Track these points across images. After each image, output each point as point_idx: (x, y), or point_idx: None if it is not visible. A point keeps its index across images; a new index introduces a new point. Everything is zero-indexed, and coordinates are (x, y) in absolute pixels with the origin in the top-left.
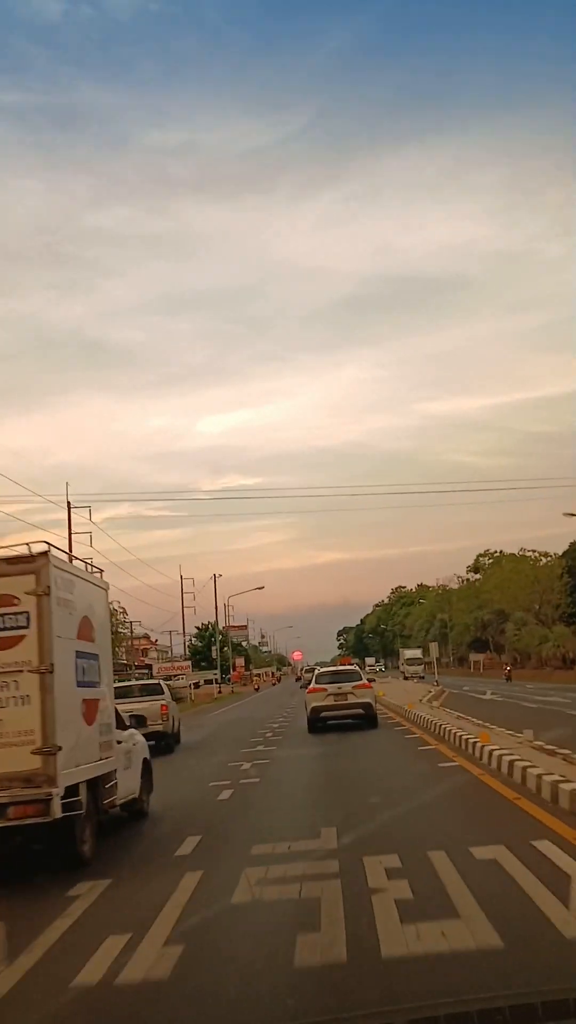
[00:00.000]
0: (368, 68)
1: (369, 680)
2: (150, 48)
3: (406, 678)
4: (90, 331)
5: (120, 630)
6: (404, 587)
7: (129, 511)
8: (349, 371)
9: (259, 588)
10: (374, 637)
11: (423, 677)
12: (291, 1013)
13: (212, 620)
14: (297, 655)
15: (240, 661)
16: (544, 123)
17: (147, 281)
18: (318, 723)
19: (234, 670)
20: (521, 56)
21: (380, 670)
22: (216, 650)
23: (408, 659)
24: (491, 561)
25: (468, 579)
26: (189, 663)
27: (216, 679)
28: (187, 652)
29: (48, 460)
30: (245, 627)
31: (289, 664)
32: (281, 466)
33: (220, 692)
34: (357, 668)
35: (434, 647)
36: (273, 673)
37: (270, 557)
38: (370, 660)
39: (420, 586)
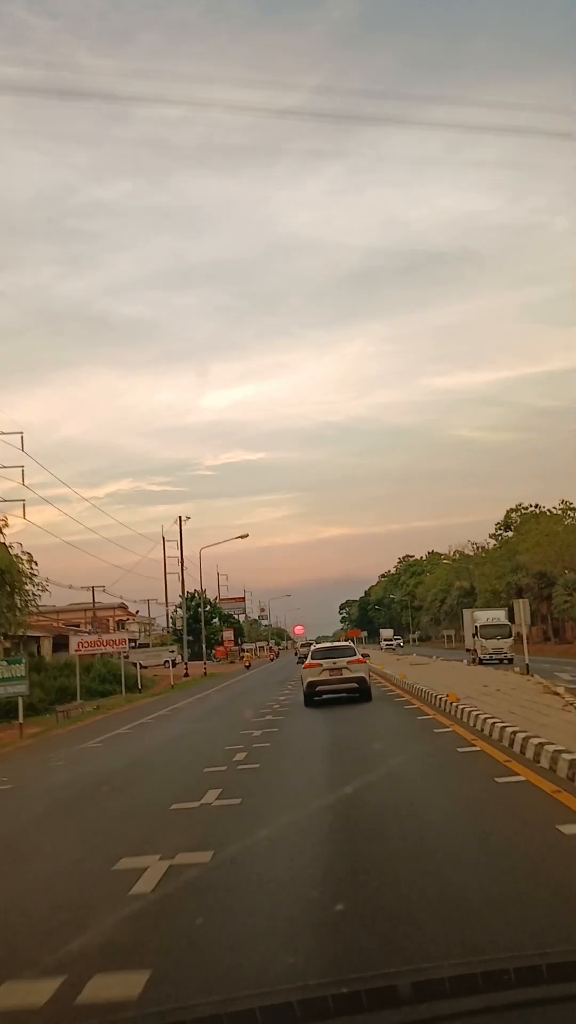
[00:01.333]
0: (372, 38)
1: (364, 655)
2: (151, 17)
3: (480, 660)
4: (95, 306)
5: (27, 586)
6: (412, 556)
7: (132, 486)
8: (355, 345)
9: (243, 536)
10: (380, 609)
11: (510, 659)
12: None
13: (199, 588)
14: (299, 629)
15: (229, 634)
16: (550, 94)
17: (151, 255)
18: (314, 697)
19: (221, 645)
20: (526, 26)
21: (399, 645)
22: (183, 620)
23: (487, 627)
24: (521, 518)
25: (494, 540)
26: (126, 637)
27: (176, 659)
28: (171, 624)
29: (53, 436)
30: (242, 599)
31: (290, 639)
32: (286, 441)
33: (187, 675)
34: (351, 644)
35: (522, 606)
36: (271, 648)
37: (273, 532)
38: (387, 632)
39: (431, 554)
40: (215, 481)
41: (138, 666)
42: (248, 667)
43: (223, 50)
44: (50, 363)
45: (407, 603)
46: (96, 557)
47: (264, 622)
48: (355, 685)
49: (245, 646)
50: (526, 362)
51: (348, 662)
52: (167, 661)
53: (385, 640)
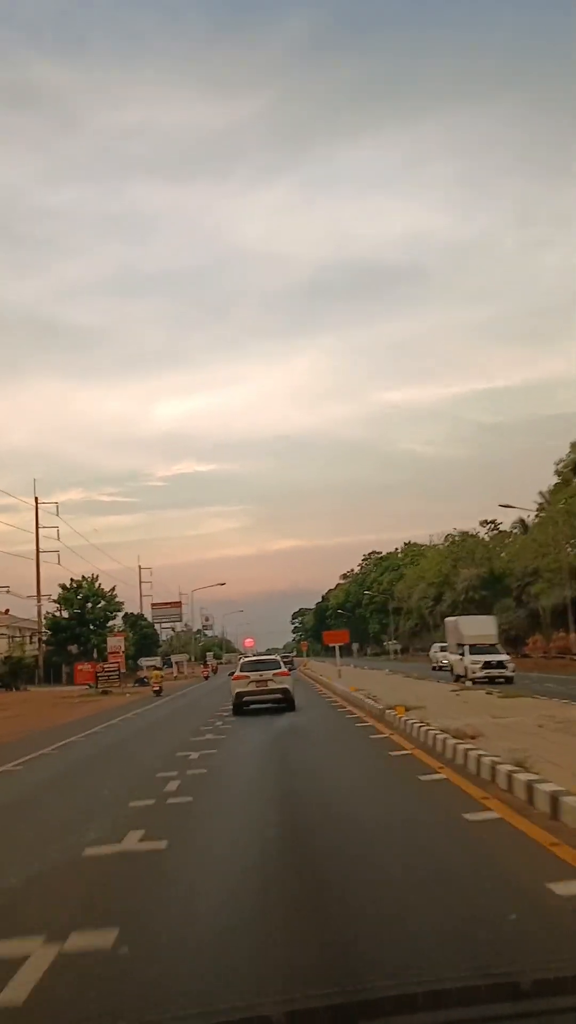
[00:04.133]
0: (326, 57)
1: (289, 668)
2: (106, 26)
3: None
4: (43, 312)
5: None
6: (379, 552)
7: (82, 496)
8: (306, 358)
9: None
10: (343, 615)
11: None
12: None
13: (88, 574)
14: (249, 642)
15: (116, 641)
16: (499, 117)
17: (102, 262)
18: (242, 707)
19: (88, 660)
20: (477, 50)
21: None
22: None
23: None
24: None
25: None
26: None
27: None
28: (42, 624)
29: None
30: (178, 604)
31: (234, 651)
32: (237, 453)
33: None
34: (278, 658)
35: None
36: (206, 663)
37: (224, 544)
38: (478, 628)
39: (409, 545)
40: (166, 492)
41: None
42: (158, 692)
43: (179, 61)
44: None
45: (382, 605)
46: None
47: (209, 633)
48: (279, 696)
49: (144, 661)
50: (472, 379)
51: (274, 674)
52: None
53: (480, 654)
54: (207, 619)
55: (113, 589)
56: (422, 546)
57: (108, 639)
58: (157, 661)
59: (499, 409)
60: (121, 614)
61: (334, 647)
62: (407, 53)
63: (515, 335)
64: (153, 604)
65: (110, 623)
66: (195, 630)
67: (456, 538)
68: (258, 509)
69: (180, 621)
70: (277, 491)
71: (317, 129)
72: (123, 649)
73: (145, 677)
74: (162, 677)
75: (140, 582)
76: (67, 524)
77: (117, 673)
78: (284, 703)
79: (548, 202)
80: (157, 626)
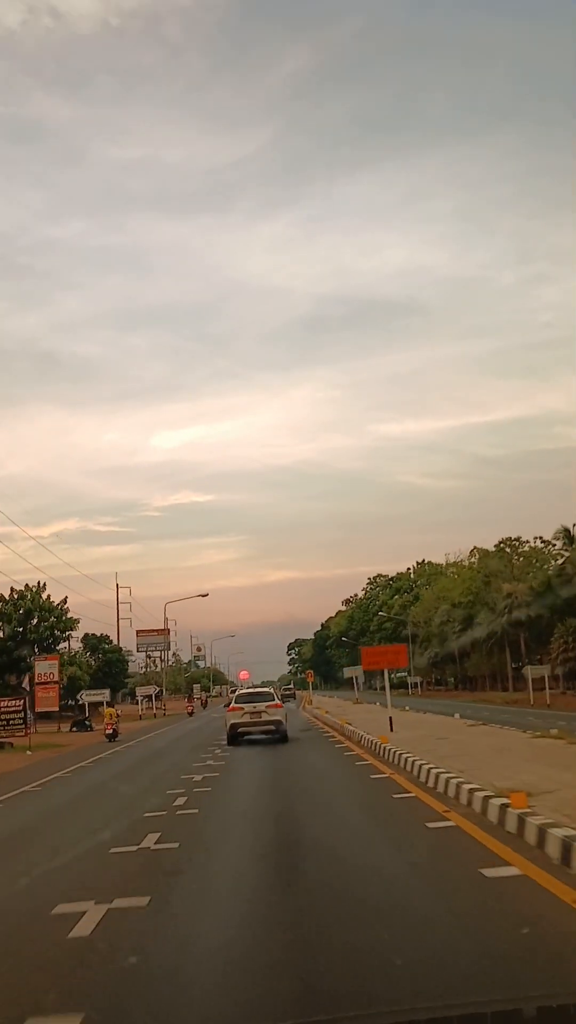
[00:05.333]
0: (325, 93)
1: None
2: (110, 63)
3: None
4: (44, 343)
5: None
6: (385, 575)
7: (78, 525)
8: (305, 390)
9: None
10: (347, 643)
11: None
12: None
13: (33, 583)
14: (244, 674)
15: (46, 668)
16: (498, 152)
17: (103, 295)
18: (236, 738)
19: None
20: (476, 86)
21: None
22: None
23: None
24: None
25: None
26: None
27: None
28: None
29: None
30: (165, 631)
31: (229, 684)
32: (235, 483)
33: None
34: (271, 690)
35: None
36: (191, 696)
37: (220, 575)
38: None
39: (423, 564)
40: (163, 522)
41: None
42: (112, 737)
43: (179, 98)
44: None
45: (393, 632)
46: None
47: (200, 663)
48: (272, 727)
49: (86, 695)
50: (470, 412)
51: (267, 706)
52: None
53: None
54: (199, 648)
55: (65, 601)
56: (439, 565)
57: (36, 663)
58: (105, 694)
59: (497, 442)
60: (80, 635)
61: (353, 678)
62: (406, 89)
63: (513, 369)
64: (138, 631)
65: (61, 645)
66: (186, 660)
67: (493, 549)
68: (255, 540)
69: (168, 649)
70: (274, 522)
71: (317, 164)
72: (59, 677)
73: (87, 719)
74: (118, 716)
75: (117, 602)
76: (56, 556)
77: (22, 716)
78: (277, 733)
79: (547, 237)
80: (143, 655)
